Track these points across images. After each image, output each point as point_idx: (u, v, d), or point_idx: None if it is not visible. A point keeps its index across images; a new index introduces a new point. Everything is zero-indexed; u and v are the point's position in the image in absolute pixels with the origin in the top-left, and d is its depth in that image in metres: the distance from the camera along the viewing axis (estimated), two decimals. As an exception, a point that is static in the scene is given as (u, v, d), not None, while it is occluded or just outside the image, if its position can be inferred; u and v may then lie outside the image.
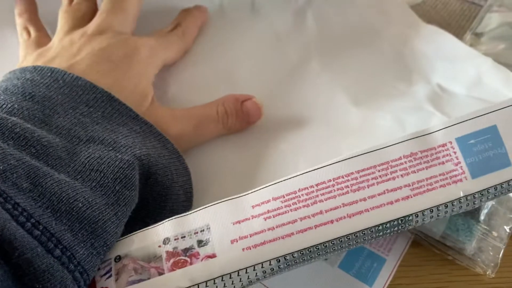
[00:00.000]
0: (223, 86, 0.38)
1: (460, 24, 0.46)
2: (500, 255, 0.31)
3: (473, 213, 0.32)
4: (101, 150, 0.27)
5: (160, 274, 0.24)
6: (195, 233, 0.25)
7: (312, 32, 0.41)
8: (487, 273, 0.31)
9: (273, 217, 0.25)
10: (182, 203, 0.31)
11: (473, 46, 0.44)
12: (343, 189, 0.25)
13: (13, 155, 0.24)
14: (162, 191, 0.30)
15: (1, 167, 0.23)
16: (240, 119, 0.35)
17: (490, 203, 0.32)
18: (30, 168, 0.24)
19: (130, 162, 0.27)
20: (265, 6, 0.43)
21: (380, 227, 0.25)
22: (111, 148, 0.27)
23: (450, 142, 0.26)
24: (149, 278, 0.24)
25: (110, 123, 0.29)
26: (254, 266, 0.24)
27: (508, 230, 0.31)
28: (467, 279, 0.31)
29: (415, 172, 0.25)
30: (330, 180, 0.25)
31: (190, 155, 0.34)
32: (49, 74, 0.30)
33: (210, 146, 0.36)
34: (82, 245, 0.24)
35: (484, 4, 0.47)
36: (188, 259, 0.24)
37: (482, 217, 0.32)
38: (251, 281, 0.25)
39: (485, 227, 0.31)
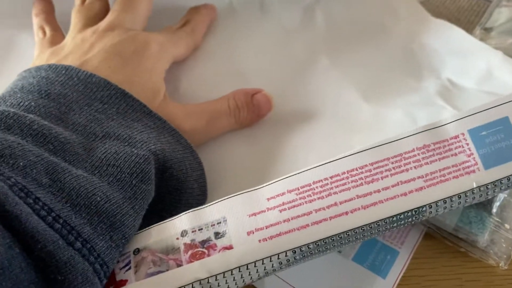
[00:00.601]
0: (233, 82, 0.39)
1: (470, 19, 0.46)
2: (513, 247, 0.31)
3: (486, 206, 0.32)
4: (117, 146, 0.28)
5: (179, 265, 0.25)
6: (212, 226, 0.26)
7: (321, 29, 0.42)
8: (500, 265, 0.31)
9: (288, 209, 0.26)
10: (197, 197, 0.32)
11: (483, 40, 0.44)
12: (357, 181, 0.26)
13: (32, 151, 0.25)
14: (177, 185, 0.30)
15: (21, 163, 0.24)
16: (251, 112, 0.36)
17: (502, 196, 0.33)
18: (49, 164, 0.25)
19: (146, 156, 0.28)
20: (273, 4, 0.44)
21: (394, 218, 0.25)
22: (126, 144, 0.28)
23: (463, 134, 0.26)
24: (167, 270, 0.25)
25: (125, 119, 0.30)
26: (270, 257, 0.25)
27: (520, 222, 0.32)
28: (480, 271, 0.32)
29: (428, 164, 0.26)
30: (344, 173, 0.26)
31: (203, 151, 0.35)
32: (63, 72, 0.30)
33: (222, 142, 0.36)
34: (101, 238, 0.24)
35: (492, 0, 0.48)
36: (206, 251, 0.25)
37: (494, 210, 0.32)
38: (267, 272, 0.25)
39: (498, 219, 0.32)
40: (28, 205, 0.23)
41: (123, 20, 0.35)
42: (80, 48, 0.34)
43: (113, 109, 0.30)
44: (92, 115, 0.29)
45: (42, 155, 0.25)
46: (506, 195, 0.33)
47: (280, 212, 0.26)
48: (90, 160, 0.27)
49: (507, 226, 0.32)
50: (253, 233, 0.25)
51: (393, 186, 0.26)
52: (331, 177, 0.26)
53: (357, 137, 0.35)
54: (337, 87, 0.39)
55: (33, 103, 0.28)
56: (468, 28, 0.45)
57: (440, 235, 0.33)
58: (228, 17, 0.43)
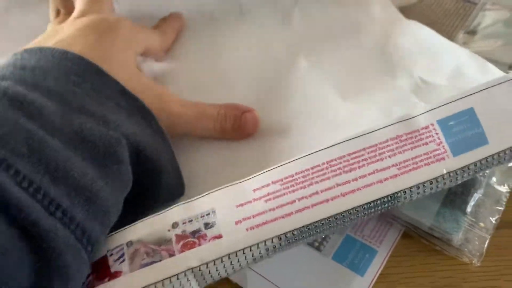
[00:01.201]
0: (216, 88, 0.41)
1: (454, 23, 0.48)
2: (486, 245, 0.33)
3: (460, 206, 0.34)
4: (91, 122, 0.28)
5: (171, 255, 0.27)
6: (201, 217, 0.28)
7: (299, 32, 0.45)
8: (473, 262, 0.33)
9: (273, 199, 0.28)
10: (175, 179, 0.33)
11: (467, 44, 0.46)
12: (336, 170, 0.28)
13: (9, 119, 0.25)
14: (152, 166, 0.31)
15: None
16: (237, 127, 0.37)
17: (477, 196, 0.35)
18: (27, 133, 0.25)
19: (119, 140, 0.29)
20: (252, 9, 0.46)
21: (372, 204, 0.28)
22: (101, 123, 0.29)
23: (432, 124, 0.29)
24: (160, 260, 0.27)
25: (99, 96, 0.30)
26: (257, 244, 0.27)
27: (493, 221, 0.34)
28: (454, 268, 0.34)
29: (401, 153, 0.28)
30: (324, 163, 0.28)
31: (186, 146, 0.37)
32: (38, 51, 0.31)
33: (205, 140, 0.38)
34: (79, 209, 0.25)
35: (478, 2, 0.49)
36: (197, 241, 0.27)
37: (469, 209, 0.34)
38: (255, 259, 0.27)
39: (472, 218, 0.34)
40: (10, 176, 0.23)
41: (92, 8, 0.37)
42: (56, 32, 0.34)
43: (88, 84, 0.30)
44: (68, 85, 0.29)
45: (19, 122, 0.25)
46: (481, 195, 0.35)
47: (266, 202, 0.28)
48: (66, 131, 0.27)
49: (481, 224, 0.34)
50: (240, 222, 0.27)
51: (369, 174, 0.28)
52: (312, 168, 0.28)
53: (334, 134, 0.37)
54: (316, 88, 0.40)
55: (7, 73, 0.29)
56: (453, 31, 0.47)
57: (417, 234, 0.35)
58: (208, 24, 0.46)
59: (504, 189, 0.35)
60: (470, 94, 0.29)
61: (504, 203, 0.35)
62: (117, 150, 0.28)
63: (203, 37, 0.45)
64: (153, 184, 0.32)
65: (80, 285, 0.26)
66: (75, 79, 0.30)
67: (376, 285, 0.33)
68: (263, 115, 0.38)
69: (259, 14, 0.46)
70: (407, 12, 0.46)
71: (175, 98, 0.36)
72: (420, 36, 0.42)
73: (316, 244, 0.35)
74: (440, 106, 0.29)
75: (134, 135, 0.30)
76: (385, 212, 0.35)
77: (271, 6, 0.46)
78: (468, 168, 0.28)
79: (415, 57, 0.42)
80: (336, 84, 0.40)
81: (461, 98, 0.29)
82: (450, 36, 0.45)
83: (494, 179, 0.36)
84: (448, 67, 0.39)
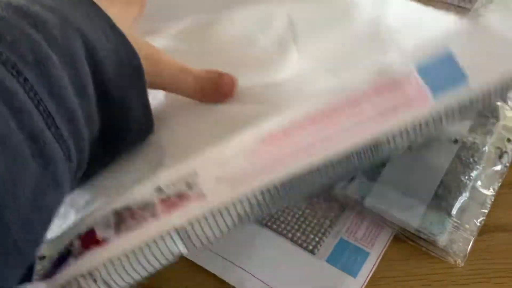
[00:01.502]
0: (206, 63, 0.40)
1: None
2: (469, 246, 0.35)
3: (446, 208, 0.36)
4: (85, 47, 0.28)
5: (157, 218, 0.28)
6: (184, 179, 0.29)
7: (288, 10, 0.45)
8: (457, 262, 0.35)
9: (255, 155, 0.28)
10: (143, 117, 0.33)
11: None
12: (316, 124, 0.29)
13: (16, 26, 0.25)
14: (121, 103, 0.31)
15: (8, 38, 0.24)
16: (215, 86, 0.37)
17: (463, 198, 0.37)
18: (33, 43, 0.25)
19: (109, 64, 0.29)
20: None
21: (354, 153, 0.28)
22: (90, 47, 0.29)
23: (411, 70, 0.29)
24: (145, 223, 0.28)
25: (93, 24, 0.30)
26: (241, 200, 0.27)
27: (478, 223, 0.36)
28: (445, 271, 0.36)
29: (381, 101, 0.29)
30: (303, 118, 0.29)
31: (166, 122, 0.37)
32: None
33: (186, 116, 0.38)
34: (64, 129, 0.26)
35: (471, 8, 0.51)
36: (180, 202, 0.28)
37: (454, 212, 0.36)
38: (241, 217, 0.28)
39: (457, 220, 0.36)
40: (20, 84, 0.24)
41: None
42: None
43: (83, 9, 0.30)
44: (65, 5, 0.29)
45: (25, 30, 0.26)
46: (466, 198, 0.37)
47: (247, 158, 0.28)
48: (64, 49, 0.27)
49: (466, 226, 0.36)
50: (223, 179, 0.28)
51: (349, 123, 0.29)
52: (291, 123, 0.29)
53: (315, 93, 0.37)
54: (309, 76, 0.40)
55: None
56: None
57: (405, 236, 0.37)
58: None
59: (489, 192, 0.38)
60: (445, 37, 0.30)
61: (489, 206, 0.37)
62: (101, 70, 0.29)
63: (190, 26, 0.45)
64: (122, 119, 0.32)
65: (65, 194, 0.27)
66: (72, 2, 0.30)
67: (368, 287, 0.36)
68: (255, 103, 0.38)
69: None
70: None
71: (164, 52, 0.37)
72: (408, 12, 0.43)
73: (311, 247, 0.38)
74: (418, 51, 0.30)
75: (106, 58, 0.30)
76: (375, 215, 0.38)
77: None
78: (452, 110, 0.29)
79: (404, 33, 0.41)
80: (326, 64, 0.40)
81: (438, 41, 0.30)
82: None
83: (479, 182, 0.38)
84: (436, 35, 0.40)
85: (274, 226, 0.39)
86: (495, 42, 0.31)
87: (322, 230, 0.39)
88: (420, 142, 0.30)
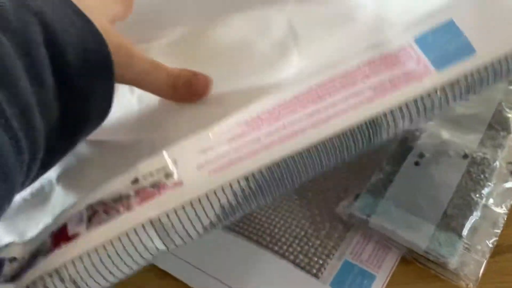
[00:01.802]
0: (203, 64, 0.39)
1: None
2: (482, 269, 0.34)
3: (456, 229, 0.35)
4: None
5: (130, 209, 0.25)
6: (162, 168, 0.26)
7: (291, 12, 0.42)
8: (469, 286, 0.33)
9: (237, 138, 0.26)
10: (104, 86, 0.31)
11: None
12: (304, 103, 0.26)
13: None
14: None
15: None
16: (189, 84, 0.35)
17: (474, 218, 0.35)
18: None
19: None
20: None
21: (348, 133, 0.26)
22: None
23: (409, 43, 0.27)
24: (119, 215, 0.26)
25: (55, 8, 0.29)
26: (222, 187, 0.25)
27: (490, 245, 0.34)
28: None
29: (376, 75, 0.26)
30: (291, 99, 0.27)
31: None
32: None
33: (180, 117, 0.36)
34: (14, 120, 0.25)
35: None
36: (156, 191, 0.26)
37: (465, 232, 0.35)
38: (223, 207, 0.25)
39: (467, 242, 0.34)
40: None
41: None
42: None
43: None
44: None
45: None
46: (477, 218, 0.35)
47: (229, 142, 0.26)
48: (18, 32, 0.26)
49: (478, 247, 0.34)
50: (203, 166, 0.25)
51: (341, 101, 0.26)
52: (278, 105, 0.27)
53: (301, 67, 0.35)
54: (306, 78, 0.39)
55: None
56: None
57: (413, 258, 0.35)
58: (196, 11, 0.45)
59: (502, 210, 0.36)
60: (448, 7, 0.28)
61: (502, 225, 0.35)
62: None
63: (189, 24, 0.44)
64: (83, 108, 0.31)
65: (16, 188, 0.25)
66: None
67: (375, 311, 0.34)
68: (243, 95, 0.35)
69: None
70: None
71: (138, 48, 0.35)
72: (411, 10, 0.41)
73: (314, 271, 0.36)
74: (416, 23, 0.28)
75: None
76: (382, 236, 0.36)
77: None
78: (458, 83, 0.26)
79: (406, 22, 0.39)
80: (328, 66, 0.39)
81: (437, 12, 0.28)
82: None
83: (491, 200, 0.36)
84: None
85: (276, 248, 0.38)
86: (501, 11, 0.28)
87: (326, 252, 0.37)
88: (423, 122, 0.28)
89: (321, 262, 0.36)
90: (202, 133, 0.27)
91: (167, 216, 0.25)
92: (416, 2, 0.38)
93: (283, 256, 0.37)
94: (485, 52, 0.26)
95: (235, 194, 0.25)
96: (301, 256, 0.37)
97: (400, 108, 0.26)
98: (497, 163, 0.38)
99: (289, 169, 0.26)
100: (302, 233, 0.38)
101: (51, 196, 0.38)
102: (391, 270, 0.36)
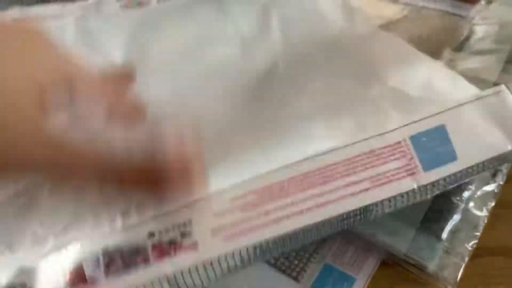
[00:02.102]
0: (193, 91, 0.40)
1: (441, 38, 0.48)
2: (460, 272, 0.34)
3: (436, 232, 0.35)
4: None
5: (146, 264, 0.28)
6: (178, 227, 0.29)
7: (277, 36, 0.44)
8: (448, 289, 0.34)
9: (251, 208, 0.29)
10: None
11: (453, 61, 0.46)
12: (312, 182, 0.30)
13: None
14: None
15: None
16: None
17: (453, 222, 0.35)
18: None
19: None
20: (231, 4, 0.45)
21: (345, 216, 0.29)
22: None
23: (405, 140, 0.30)
24: (136, 268, 0.28)
25: None
26: (233, 253, 0.28)
27: (469, 247, 0.35)
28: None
29: (374, 167, 0.30)
30: (300, 176, 0.30)
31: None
32: None
33: None
34: None
35: (466, 16, 0.50)
36: (173, 249, 0.28)
37: (444, 236, 0.35)
38: (230, 269, 0.29)
39: (447, 245, 0.35)
40: None
41: None
42: None
43: None
44: None
45: None
46: (457, 221, 0.36)
47: (243, 211, 0.29)
48: None
49: (458, 250, 0.35)
50: (217, 231, 0.29)
51: (343, 187, 0.29)
52: (288, 180, 0.30)
53: (309, 147, 0.37)
54: (293, 99, 0.40)
55: None
56: (440, 47, 0.47)
57: (393, 261, 0.35)
58: (185, 20, 0.45)
59: (482, 213, 0.36)
60: (442, 111, 0.31)
61: (482, 228, 0.36)
62: None
63: (178, 35, 0.44)
64: None
65: None
66: None
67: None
68: (232, 121, 0.38)
69: (238, 12, 0.45)
70: (391, 28, 0.47)
71: None
72: (394, 48, 0.43)
73: (295, 274, 0.36)
74: (413, 123, 0.31)
75: None
76: (362, 239, 0.36)
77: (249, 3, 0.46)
78: (438, 183, 0.30)
79: (389, 68, 0.42)
80: (314, 95, 0.40)
81: (433, 115, 0.31)
82: (437, 52, 0.46)
83: (471, 203, 0.36)
84: (421, 79, 0.40)
85: (257, 251, 0.38)
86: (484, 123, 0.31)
87: (307, 255, 0.37)
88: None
89: (301, 265, 0.37)
90: (217, 195, 0.30)
91: (181, 273, 0.28)
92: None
93: (264, 259, 0.38)
94: (464, 159, 0.30)
95: (242, 260, 0.29)
96: (281, 259, 0.37)
97: (389, 200, 0.29)
98: (479, 166, 0.38)
99: (292, 241, 0.29)
100: (284, 236, 0.39)
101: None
102: (371, 273, 0.36)
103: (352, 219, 0.29)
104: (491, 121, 0.31)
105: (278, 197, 0.29)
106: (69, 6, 0.40)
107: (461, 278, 0.34)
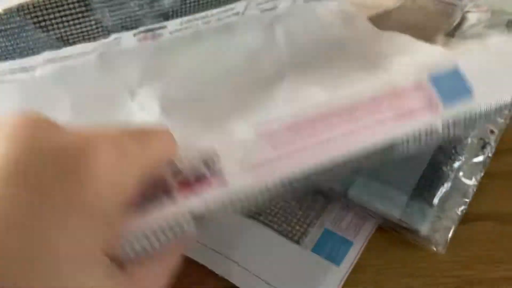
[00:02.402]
0: (197, 105, 0.42)
1: (435, 25, 0.51)
2: (450, 234, 0.37)
3: (427, 199, 0.38)
4: None
5: (173, 200, 0.28)
6: (204, 163, 0.29)
7: (283, 48, 0.47)
8: (438, 250, 0.37)
9: (279, 144, 0.30)
10: None
11: (446, 46, 0.49)
12: (339, 119, 0.31)
13: None
14: None
15: None
16: None
17: (444, 190, 0.38)
18: None
19: None
20: (239, 28, 0.48)
21: (372, 148, 0.30)
22: None
23: (423, 79, 0.32)
24: (161, 206, 0.27)
25: None
26: (261, 190, 0.29)
27: (459, 212, 0.38)
28: (421, 254, 0.38)
29: (398, 105, 0.31)
30: (327, 112, 0.31)
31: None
32: None
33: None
34: None
35: (459, 3, 0.53)
36: (199, 186, 0.28)
37: (435, 202, 0.38)
38: (256, 205, 0.29)
39: (438, 210, 0.38)
40: None
41: None
42: None
43: None
44: None
45: None
46: (447, 189, 0.39)
47: (272, 147, 0.29)
48: None
49: (448, 214, 0.37)
50: (246, 166, 0.29)
51: (370, 123, 0.31)
52: (315, 116, 0.31)
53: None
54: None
55: None
56: (434, 34, 0.50)
57: (389, 226, 0.38)
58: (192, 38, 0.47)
59: (471, 182, 0.39)
60: (457, 53, 0.34)
61: (471, 195, 0.39)
62: None
63: (186, 51, 0.46)
64: None
65: None
66: None
67: (353, 275, 0.37)
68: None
69: (244, 28, 0.49)
70: (386, 17, 0.50)
71: None
72: (397, 45, 0.45)
73: (296, 238, 0.39)
74: (430, 65, 0.33)
75: None
76: (359, 206, 0.39)
77: (254, 22, 0.49)
78: (459, 121, 0.31)
79: (395, 61, 0.45)
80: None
81: (449, 57, 0.33)
82: (431, 38, 0.49)
83: (461, 173, 0.39)
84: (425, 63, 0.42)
85: (261, 218, 0.41)
86: (499, 64, 0.33)
87: (308, 222, 0.40)
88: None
89: (302, 230, 0.40)
90: (243, 129, 0.30)
91: (209, 210, 0.28)
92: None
93: (268, 225, 0.40)
94: (481, 99, 0.32)
95: (271, 195, 0.29)
96: (284, 225, 0.40)
97: (414, 136, 0.31)
98: (469, 139, 0.41)
99: (320, 176, 0.30)
100: (286, 205, 0.42)
101: None
102: (368, 237, 0.39)
103: (379, 152, 0.30)
104: (504, 65, 0.33)
105: (305, 133, 0.30)
106: (92, 45, 0.42)
107: (451, 240, 0.37)
